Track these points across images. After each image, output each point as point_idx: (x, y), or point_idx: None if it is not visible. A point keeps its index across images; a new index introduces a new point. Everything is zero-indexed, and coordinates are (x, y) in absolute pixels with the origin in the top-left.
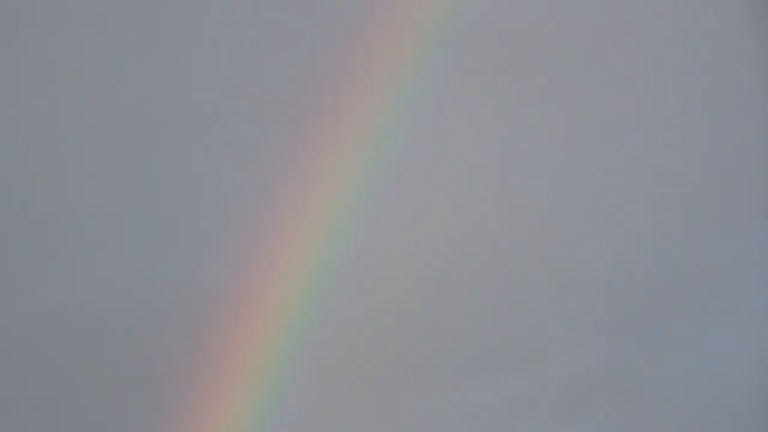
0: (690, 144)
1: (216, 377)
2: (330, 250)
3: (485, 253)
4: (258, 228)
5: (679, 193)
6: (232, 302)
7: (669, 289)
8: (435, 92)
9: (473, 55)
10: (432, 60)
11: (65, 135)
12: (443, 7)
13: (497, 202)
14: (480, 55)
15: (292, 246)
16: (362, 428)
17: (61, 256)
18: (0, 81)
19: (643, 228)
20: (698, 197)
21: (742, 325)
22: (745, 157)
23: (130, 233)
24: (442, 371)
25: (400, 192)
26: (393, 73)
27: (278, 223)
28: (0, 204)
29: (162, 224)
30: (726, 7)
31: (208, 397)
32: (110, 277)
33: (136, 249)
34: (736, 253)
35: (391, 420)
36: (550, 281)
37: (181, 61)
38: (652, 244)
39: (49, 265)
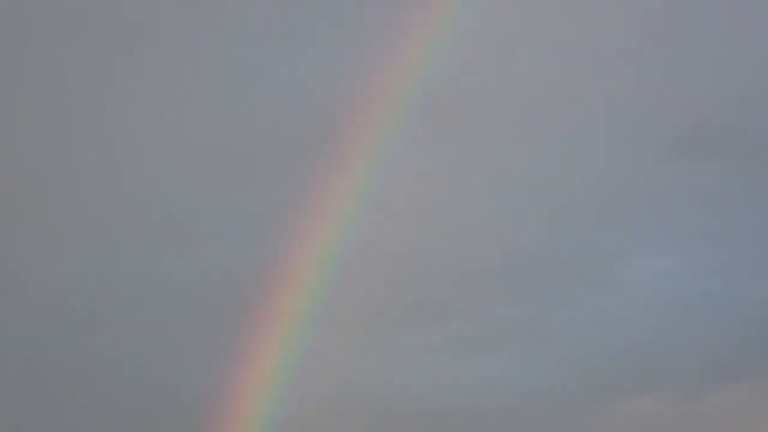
0: (569, 170)
1: (267, 324)
2: (338, 243)
3: (438, 246)
4: (290, 228)
5: (565, 202)
6: (277, 274)
7: (559, 265)
8: (404, 142)
9: (429, 115)
10: (402, 119)
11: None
12: (410, 80)
13: (451, 207)
14: (434, 115)
15: (314, 240)
16: (360, 355)
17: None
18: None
19: (542, 227)
20: (580, 207)
21: (612, 291)
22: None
23: (215, 230)
24: (409, 322)
25: (383, 204)
26: (377, 129)
27: (304, 225)
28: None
29: (238, 224)
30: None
31: (261, 338)
32: (208, 266)
33: (228, 242)
34: (602, 240)
35: (379, 351)
36: (478, 264)
37: (245, 111)
38: (553, 237)
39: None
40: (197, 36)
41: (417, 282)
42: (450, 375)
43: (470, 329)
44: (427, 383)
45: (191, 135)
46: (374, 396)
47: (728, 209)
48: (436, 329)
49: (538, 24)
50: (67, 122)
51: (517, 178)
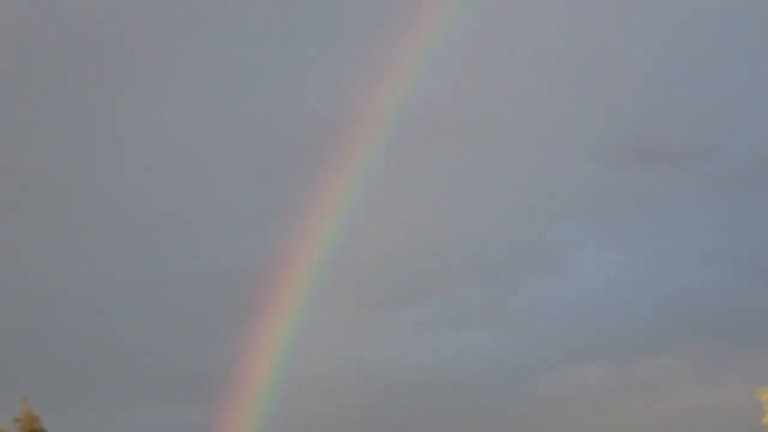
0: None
1: (273, 306)
2: (333, 237)
3: (418, 240)
4: (292, 224)
5: (524, 203)
6: (281, 263)
7: (519, 255)
8: (389, 151)
9: (410, 128)
10: (389, 132)
11: None
12: (392, 99)
13: (429, 207)
14: (414, 129)
15: (313, 234)
16: (351, 331)
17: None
18: None
19: (505, 223)
20: (537, 207)
21: (563, 277)
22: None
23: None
24: (393, 303)
25: (373, 204)
26: (367, 140)
27: (304, 222)
28: None
29: (245, 221)
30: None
31: (267, 318)
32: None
33: (236, 237)
34: (555, 234)
35: (367, 327)
36: (452, 255)
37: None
38: (514, 232)
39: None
40: (217, 63)
41: (400, 270)
42: (427, 346)
43: (445, 309)
44: (409, 353)
45: (210, 147)
46: (363, 364)
47: (657, 210)
48: (416, 309)
49: (502, 53)
50: (93, 132)
51: (483, 182)
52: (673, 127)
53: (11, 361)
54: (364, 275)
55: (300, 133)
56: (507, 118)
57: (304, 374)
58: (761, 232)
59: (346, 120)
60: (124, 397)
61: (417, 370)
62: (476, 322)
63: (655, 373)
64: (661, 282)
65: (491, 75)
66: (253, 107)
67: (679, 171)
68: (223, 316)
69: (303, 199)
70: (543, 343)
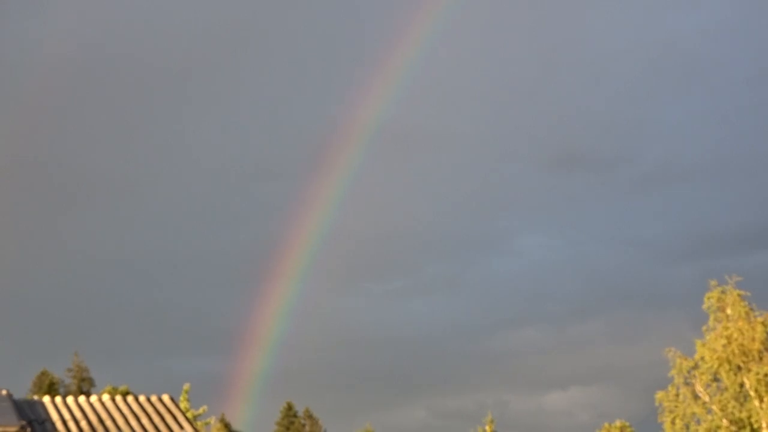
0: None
1: (276, 279)
2: (321, 225)
3: (390, 227)
4: (289, 215)
5: (478, 198)
6: (281, 245)
7: (473, 238)
8: (365, 159)
9: (382, 141)
10: (365, 144)
11: None
12: (369, 118)
13: (398, 202)
14: (385, 141)
15: (310, 218)
16: (335, 298)
17: None
18: None
19: (462, 215)
20: (487, 201)
21: (507, 256)
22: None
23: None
24: (369, 277)
25: (352, 199)
26: (348, 149)
27: (300, 211)
28: None
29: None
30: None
31: (271, 288)
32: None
33: (248, 224)
34: (502, 223)
35: (348, 295)
36: (417, 238)
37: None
38: (469, 221)
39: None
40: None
41: (377, 251)
42: (398, 312)
43: (412, 282)
44: (383, 317)
45: (223, 155)
46: (345, 326)
47: (583, 206)
48: (389, 282)
49: (461, 80)
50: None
51: (444, 182)
52: (595, 139)
53: (67, 320)
54: (347, 256)
55: (297, 143)
56: (464, 133)
57: (298, 329)
58: (662, 222)
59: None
60: (162, 349)
61: (389, 332)
62: (437, 292)
63: (582, 336)
64: (585, 261)
65: (448, 98)
66: (265, 126)
67: (599, 175)
68: (239, 285)
69: (297, 196)
70: (491, 310)
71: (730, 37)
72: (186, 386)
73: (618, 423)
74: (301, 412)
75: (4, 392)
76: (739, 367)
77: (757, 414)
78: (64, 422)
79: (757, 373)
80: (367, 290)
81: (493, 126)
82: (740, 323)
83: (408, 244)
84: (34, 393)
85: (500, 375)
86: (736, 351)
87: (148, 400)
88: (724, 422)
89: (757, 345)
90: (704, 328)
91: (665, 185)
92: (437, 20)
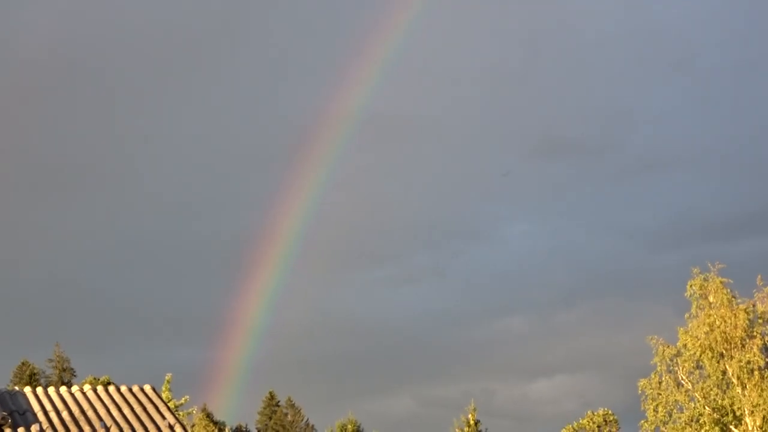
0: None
1: (261, 267)
2: (308, 214)
3: (377, 216)
4: (276, 204)
5: (463, 187)
6: (268, 234)
7: (459, 227)
8: (352, 147)
9: (368, 130)
10: (350, 134)
11: None
12: (352, 107)
13: (386, 191)
14: (371, 130)
15: (295, 207)
16: (322, 287)
17: None
18: None
19: (448, 203)
20: (473, 190)
21: (492, 245)
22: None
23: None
24: (357, 266)
25: (339, 188)
26: (333, 139)
27: (283, 201)
28: None
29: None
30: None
31: (256, 276)
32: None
33: (234, 213)
34: (487, 211)
35: (336, 284)
36: (404, 227)
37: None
38: (455, 209)
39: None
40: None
41: (364, 239)
42: (386, 299)
43: (400, 270)
44: (370, 305)
45: (211, 146)
46: (333, 314)
47: (569, 194)
48: (377, 270)
49: (441, 66)
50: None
51: (430, 171)
52: (581, 127)
53: (48, 310)
54: (333, 245)
55: (280, 133)
56: (449, 122)
57: (283, 318)
58: (648, 210)
59: (315, 121)
60: (143, 339)
61: (375, 320)
62: (425, 280)
63: (566, 324)
64: (571, 249)
65: (433, 89)
66: (248, 116)
67: (584, 163)
68: (222, 275)
69: (282, 185)
70: (477, 298)
71: (715, 25)
72: (168, 376)
73: (601, 411)
74: (283, 402)
75: None
76: (722, 355)
77: (740, 401)
78: (46, 413)
79: (740, 361)
80: (353, 279)
81: (479, 115)
82: (722, 311)
83: (394, 232)
84: (15, 383)
85: (486, 363)
86: (719, 338)
87: (130, 390)
88: (707, 410)
89: (739, 332)
90: (687, 315)
91: (651, 173)
92: (421, 8)
